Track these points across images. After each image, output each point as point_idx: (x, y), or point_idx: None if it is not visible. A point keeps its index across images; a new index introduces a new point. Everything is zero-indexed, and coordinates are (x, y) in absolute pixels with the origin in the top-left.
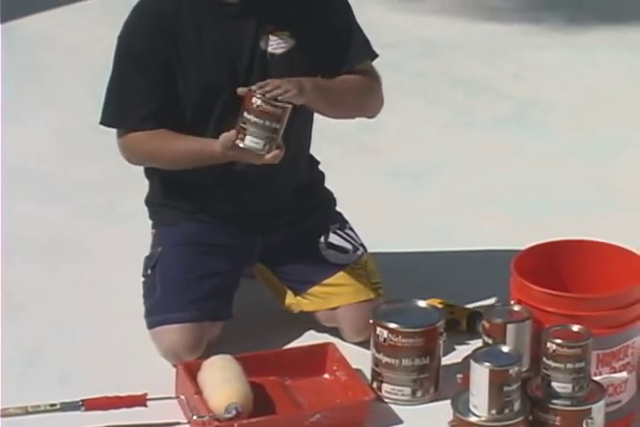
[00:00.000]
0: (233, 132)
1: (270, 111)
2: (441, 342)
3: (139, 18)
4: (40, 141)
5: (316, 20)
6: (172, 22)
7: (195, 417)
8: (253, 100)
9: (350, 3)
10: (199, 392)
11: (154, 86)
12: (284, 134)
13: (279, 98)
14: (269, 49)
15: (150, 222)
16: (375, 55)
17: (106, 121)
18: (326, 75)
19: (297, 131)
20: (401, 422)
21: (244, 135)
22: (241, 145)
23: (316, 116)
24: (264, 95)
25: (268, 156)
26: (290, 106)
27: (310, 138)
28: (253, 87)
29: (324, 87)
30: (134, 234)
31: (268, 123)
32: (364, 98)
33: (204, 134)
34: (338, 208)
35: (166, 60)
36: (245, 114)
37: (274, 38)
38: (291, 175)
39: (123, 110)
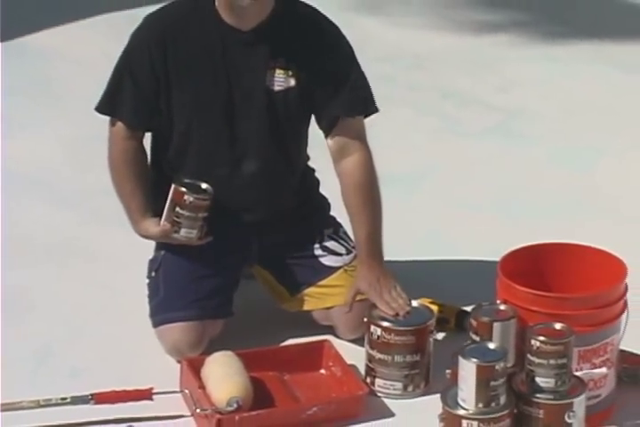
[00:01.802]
0: (168, 226)
1: (201, 204)
2: (431, 339)
3: (144, 35)
4: (50, 150)
5: (320, 67)
6: (178, 45)
7: (198, 410)
8: (185, 197)
9: (346, 18)
10: (202, 387)
11: (143, 95)
12: (283, 155)
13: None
14: (269, 83)
15: None
16: (374, 110)
17: (98, 107)
18: (319, 120)
19: (289, 154)
20: (393, 415)
21: (179, 228)
22: (177, 237)
23: (312, 121)
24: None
25: (200, 241)
26: (212, 194)
27: (304, 162)
28: (181, 187)
29: (379, 241)
30: (139, 237)
31: (200, 214)
32: (377, 189)
33: (186, 154)
34: (332, 212)
35: (163, 79)
36: (178, 209)
37: (276, 74)
38: (282, 195)
39: (114, 101)
